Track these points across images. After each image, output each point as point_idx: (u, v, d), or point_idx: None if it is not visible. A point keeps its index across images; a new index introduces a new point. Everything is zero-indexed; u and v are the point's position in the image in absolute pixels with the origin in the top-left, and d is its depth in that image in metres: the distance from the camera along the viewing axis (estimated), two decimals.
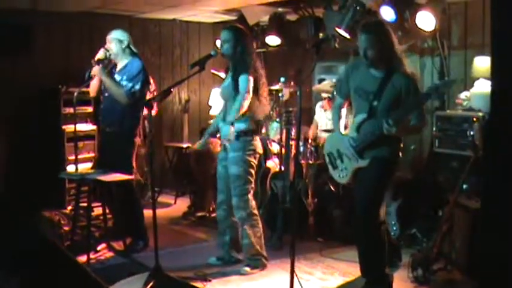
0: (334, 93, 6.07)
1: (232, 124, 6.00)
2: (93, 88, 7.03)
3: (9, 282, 3.55)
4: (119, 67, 6.89)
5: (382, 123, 5.14)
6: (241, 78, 5.99)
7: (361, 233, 5.66)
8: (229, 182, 6.16)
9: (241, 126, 6.04)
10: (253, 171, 6.20)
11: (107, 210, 6.97)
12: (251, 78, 5.98)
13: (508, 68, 3.30)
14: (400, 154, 5.54)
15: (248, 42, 6.20)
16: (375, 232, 5.59)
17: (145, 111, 6.63)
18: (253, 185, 6.24)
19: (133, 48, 6.93)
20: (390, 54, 5.34)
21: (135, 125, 6.90)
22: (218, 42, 9.19)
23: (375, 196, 5.46)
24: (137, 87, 6.69)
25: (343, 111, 6.69)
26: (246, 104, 5.97)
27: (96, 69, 6.74)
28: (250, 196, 6.18)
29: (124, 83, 6.71)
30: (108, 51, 6.80)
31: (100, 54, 6.78)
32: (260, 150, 6.27)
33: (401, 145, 5.54)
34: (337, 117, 5.86)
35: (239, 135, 6.04)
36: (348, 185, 5.79)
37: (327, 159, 5.83)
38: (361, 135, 5.40)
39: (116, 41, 6.82)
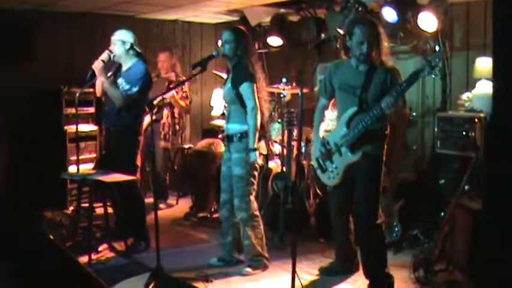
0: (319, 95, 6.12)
1: (253, 150, 6.01)
2: (98, 88, 7.00)
3: (11, 283, 3.55)
4: (123, 69, 6.87)
5: (374, 109, 5.28)
6: (244, 88, 5.98)
7: (364, 234, 5.72)
8: (232, 182, 6.16)
9: (245, 127, 6.04)
10: (256, 173, 6.19)
11: (110, 211, 6.97)
12: (254, 85, 6.00)
13: (509, 69, 3.30)
14: (385, 148, 5.65)
15: (249, 45, 6.20)
16: (376, 233, 5.64)
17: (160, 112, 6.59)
18: (255, 187, 6.23)
19: (137, 49, 6.88)
20: (380, 50, 5.49)
21: (138, 124, 6.88)
22: (220, 43, 9.24)
23: (373, 197, 5.56)
24: (134, 89, 6.65)
25: (327, 113, 6.72)
26: (258, 119, 5.99)
27: (97, 67, 6.71)
28: (252, 197, 6.17)
29: (123, 84, 6.71)
30: (111, 52, 6.78)
31: (104, 56, 6.74)
32: (264, 151, 6.26)
33: (386, 141, 5.66)
34: (319, 120, 6.00)
35: (242, 136, 6.04)
36: (336, 186, 5.81)
37: (316, 164, 5.92)
38: (352, 128, 5.45)
39: (119, 43, 6.78)
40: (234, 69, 6.10)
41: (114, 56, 6.78)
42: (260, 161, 6.18)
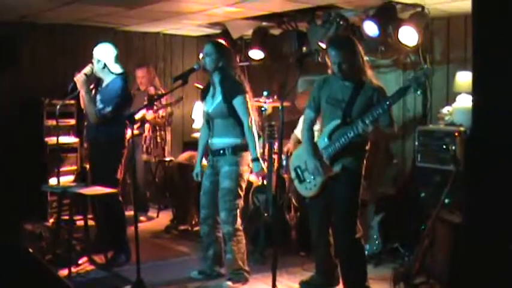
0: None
1: (257, 159, 6.08)
2: (83, 100, 6.94)
3: None
4: (103, 84, 6.82)
5: (358, 123, 5.27)
6: (239, 102, 5.99)
7: (343, 249, 5.72)
8: (219, 195, 6.12)
9: (237, 140, 6.05)
10: (244, 186, 6.19)
11: (90, 223, 6.94)
12: (247, 97, 6.02)
13: (489, 83, 3.32)
14: (364, 162, 5.65)
15: (231, 58, 6.21)
16: (355, 247, 5.65)
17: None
18: (242, 201, 6.23)
19: (115, 67, 6.74)
20: (359, 66, 5.51)
21: (119, 137, 6.83)
22: (202, 56, 9.23)
23: (352, 211, 5.58)
24: (107, 109, 6.59)
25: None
26: (256, 130, 6.04)
27: (79, 80, 6.67)
28: (238, 212, 6.17)
29: (98, 102, 6.67)
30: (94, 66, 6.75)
31: (86, 69, 6.68)
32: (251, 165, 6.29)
33: (366, 156, 5.67)
34: (309, 130, 5.93)
35: (236, 149, 6.05)
36: (314, 197, 5.82)
37: (293, 174, 5.97)
38: (334, 141, 5.46)
39: (95, 60, 6.76)
40: (224, 82, 6.09)
41: (95, 70, 6.74)
42: (248, 174, 6.22)
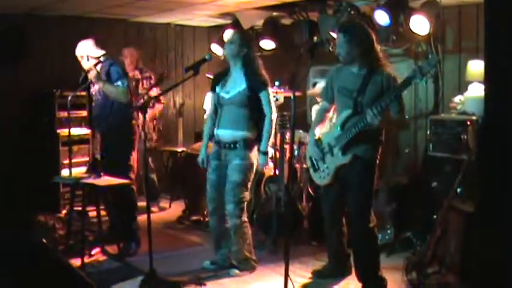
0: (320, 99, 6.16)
1: (265, 153, 6.14)
2: (99, 96, 6.99)
3: (4, 286, 3.55)
4: (102, 75, 6.82)
5: (367, 112, 5.25)
6: (265, 95, 6.09)
7: (356, 237, 5.73)
8: (227, 188, 6.13)
9: (248, 134, 6.08)
10: (252, 179, 6.22)
11: (102, 214, 6.96)
12: (270, 90, 6.12)
13: (501, 72, 3.31)
14: (380, 151, 5.66)
15: (253, 47, 6.31)
16: (369, 236, 5.66)
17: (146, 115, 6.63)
18: (248, 193, 6.25)
19: (95, 54, 6.85)
20: (371, 53, 5.50)
21: (128, 124, 6.89)
22: (213, 46, 9.23)
23: (365, 200, 5.60)
24: (126, 82, 6.74)
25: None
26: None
27: (92, 75, 6.70)
28: (245, 205, 6.19)
29: (118, 83, 6.71)
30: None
31: (92, 75, 6.74)
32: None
33: (380, 145, 5.69)
34: (318, 121, 6.03)
35: (246, 143, 6.06)
36: (327, 186, 5.84)
37: (309, 163, 6.00)
38: (346, 130, 5.47)
39: (81, 59, 6.89)
40: (249, 72, 6.11)
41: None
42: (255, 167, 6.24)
